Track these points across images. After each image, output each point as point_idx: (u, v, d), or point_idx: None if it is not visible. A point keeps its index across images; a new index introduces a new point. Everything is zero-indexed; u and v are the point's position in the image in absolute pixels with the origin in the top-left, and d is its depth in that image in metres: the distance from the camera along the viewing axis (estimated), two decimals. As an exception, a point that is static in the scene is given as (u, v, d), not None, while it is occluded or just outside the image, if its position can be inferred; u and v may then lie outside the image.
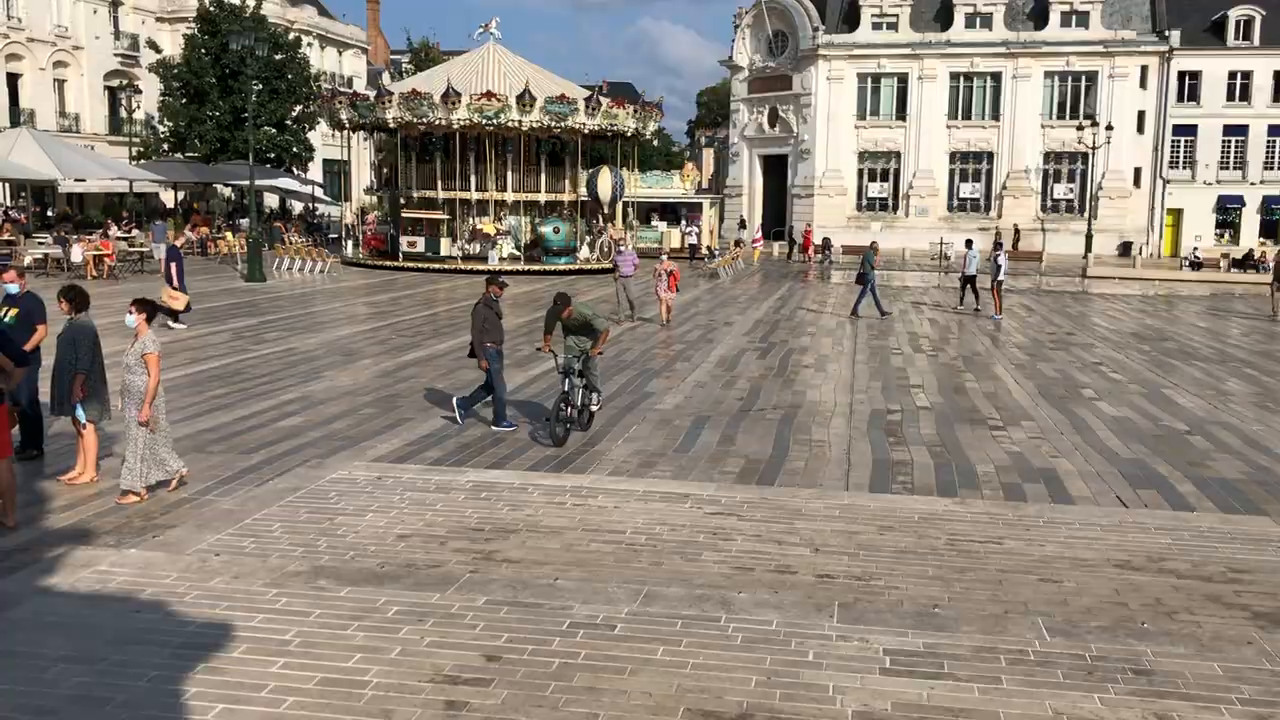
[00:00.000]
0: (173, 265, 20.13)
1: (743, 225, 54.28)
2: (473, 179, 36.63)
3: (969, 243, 29.77)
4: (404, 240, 36.31)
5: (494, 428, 12.19)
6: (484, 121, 34.73)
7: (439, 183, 36.80)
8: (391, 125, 35.75)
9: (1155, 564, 7.66)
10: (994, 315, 25.60)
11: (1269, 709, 5.24)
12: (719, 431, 12.58)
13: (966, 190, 57.58)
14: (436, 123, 34.85)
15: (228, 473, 9.92)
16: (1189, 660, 5.85)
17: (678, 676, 5.48)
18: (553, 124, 35.71)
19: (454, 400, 12.65)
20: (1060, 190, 56.84)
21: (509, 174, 37.45)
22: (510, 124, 35.05)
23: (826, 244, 46.99)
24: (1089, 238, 49.34)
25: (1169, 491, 10.32)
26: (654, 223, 50.14)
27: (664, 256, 25.06)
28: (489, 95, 34.46)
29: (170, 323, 19.33)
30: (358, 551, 7.50)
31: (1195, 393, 16.10)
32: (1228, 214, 56.39)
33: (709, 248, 41.09)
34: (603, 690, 5.31)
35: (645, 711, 5.11)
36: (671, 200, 51.33)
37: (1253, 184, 55.57)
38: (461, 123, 34.71)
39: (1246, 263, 47.90)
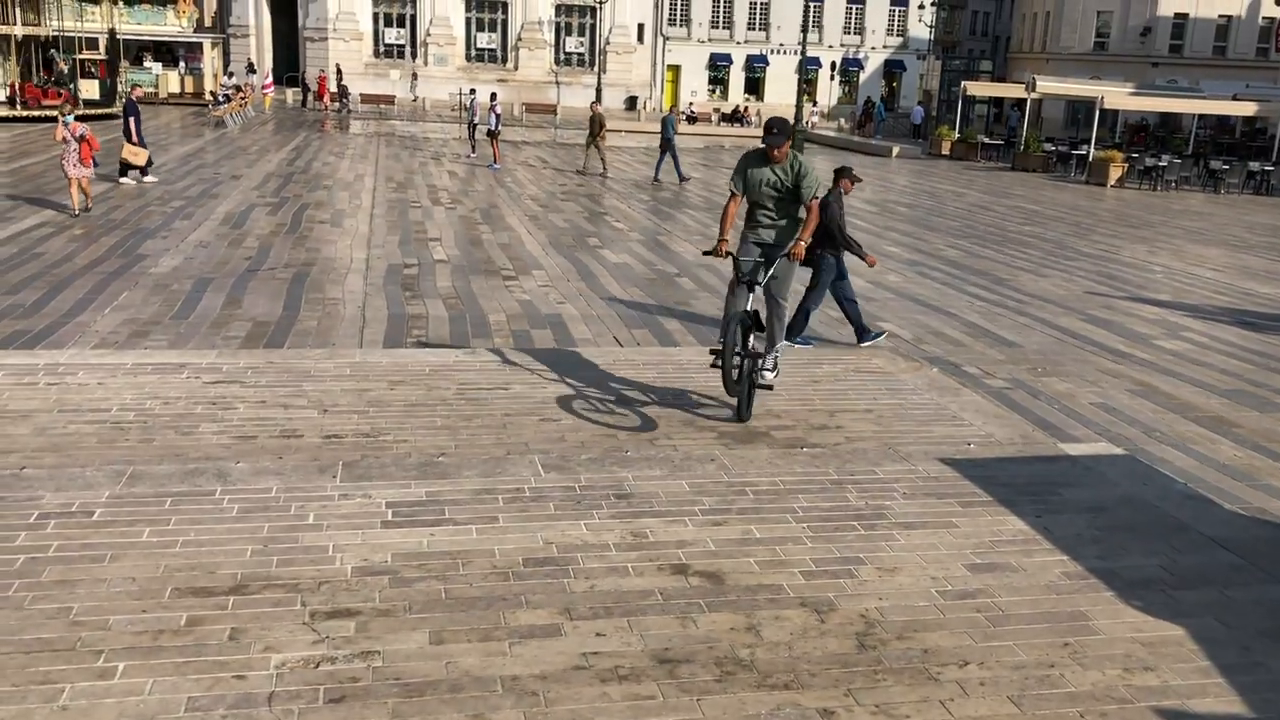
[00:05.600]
0: None
1: (252, 69, 50.54)
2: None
3: (473, 91, 30.93)
4: None
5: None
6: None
7: None
8: None
9: (642, 396, 8.35)
10: (492, 165, 26.82)
11: (722, 516, 5.97)
12: (223, 294, 11.85)
13: (484, 40, 57.69)
14: None
15: None
16: (662, 480, 6.48)
17: (165, 557, 5.16)
18: None
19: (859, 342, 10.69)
20: (572, 43, 58.75)
21: None
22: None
23: (344, 91, 45.27)
24: (599, 91, 51.59)
25: (657, 329, 11.29)
26: (146, 64, 45.25)
27: (69, 118, 16.63)
28: None
29: None
30: None
31: (684, 238, 17.63)
32: (718, 71, 61.53)
33: (213, 93, 37.89)
34: (77, 581, 4.88)
35: (128, 597, 4.77)
36: (166, 39, 46.46)
37: (738, 43, 60.92)
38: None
39: (734, 117, 52.77)
